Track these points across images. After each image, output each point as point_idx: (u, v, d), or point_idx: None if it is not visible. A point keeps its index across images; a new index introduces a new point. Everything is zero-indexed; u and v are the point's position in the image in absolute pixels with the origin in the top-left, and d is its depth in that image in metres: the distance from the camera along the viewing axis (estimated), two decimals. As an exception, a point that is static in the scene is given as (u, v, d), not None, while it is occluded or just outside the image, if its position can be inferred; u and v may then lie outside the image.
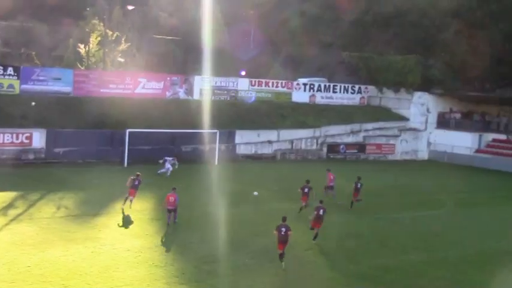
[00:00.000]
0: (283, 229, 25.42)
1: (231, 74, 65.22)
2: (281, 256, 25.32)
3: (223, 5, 74.69)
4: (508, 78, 70.27)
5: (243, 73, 73.28)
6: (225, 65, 71.03)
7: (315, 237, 29.55)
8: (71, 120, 50.38)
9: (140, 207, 34.54)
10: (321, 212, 29.57)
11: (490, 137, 68.47)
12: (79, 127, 50.18)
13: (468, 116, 71.58)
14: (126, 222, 31.26)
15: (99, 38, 61.29)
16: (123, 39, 62.89)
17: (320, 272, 25.34)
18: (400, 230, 33.24)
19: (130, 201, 33.93)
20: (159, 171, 44.73)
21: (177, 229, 30.39)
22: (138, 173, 34.80)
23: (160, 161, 45.27)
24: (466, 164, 64.82)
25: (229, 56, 74.97)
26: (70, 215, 31.96)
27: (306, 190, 35.07)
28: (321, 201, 30.62)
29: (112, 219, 31.62)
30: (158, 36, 68.31)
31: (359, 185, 37.83)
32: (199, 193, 37.72)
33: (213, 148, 53.23)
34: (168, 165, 45.13)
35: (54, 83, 52.52)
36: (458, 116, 70.90)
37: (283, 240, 25.32)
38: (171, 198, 31.18)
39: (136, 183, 33.99)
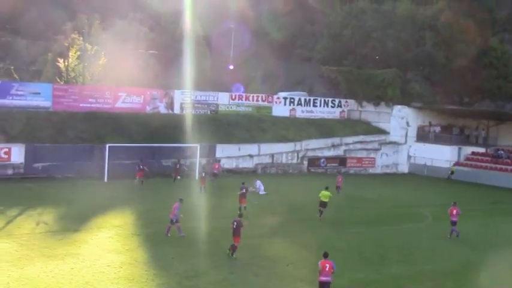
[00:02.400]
0: (235, 223, 28.59)
1: (211, 88, 65.30)
2: (233, 248, 28.43)
3: (203, 19, 74.80)
4: (486, 92, 71.01)
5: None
6: (205, 79, 71.09)
7: (242, 209, 36.22)
8: (50, 135, 50.12)
9: (120, 223, 34.37)
10: (244, 190, 38.79)
11: (469, 150, 69.08)
12: (58, 142, 49.94)
13: (447, 129, 72.18)
14: (106, 237, 31.07)
15: (78, 52, 60.98)
16: (102, 53, 62.67)
17: (301, 286, 25.30)
18: (380, 243, 33.32)
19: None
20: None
21: (158, 244, 30.24)
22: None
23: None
24: (445, 177, 65.31)
25: (209, 70, 75.09)
26: (49, 230, 31.69)
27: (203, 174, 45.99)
28: (243, 183, 39.62)
29: (92, 234, 31.39)
30: (138, 50, 68.09)
31: None
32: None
33: (193, 162, 53.17)
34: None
35: (33, 97, 52.21)
36: (437, 129, 71.44)
37: (236, 234, 28.37)
38: (174, 208, 32.04)
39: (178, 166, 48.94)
